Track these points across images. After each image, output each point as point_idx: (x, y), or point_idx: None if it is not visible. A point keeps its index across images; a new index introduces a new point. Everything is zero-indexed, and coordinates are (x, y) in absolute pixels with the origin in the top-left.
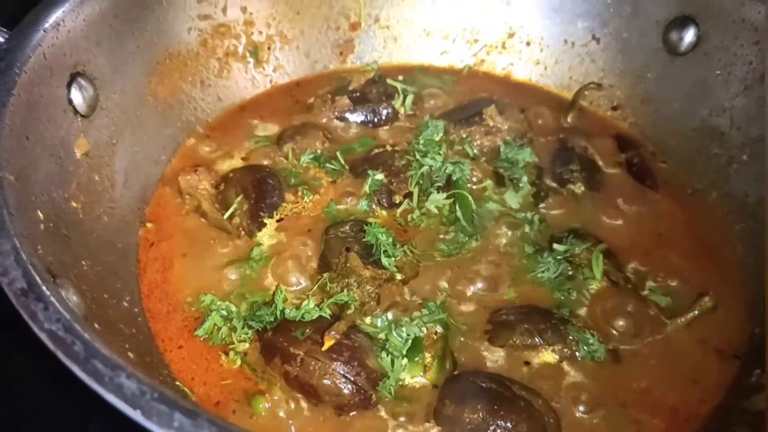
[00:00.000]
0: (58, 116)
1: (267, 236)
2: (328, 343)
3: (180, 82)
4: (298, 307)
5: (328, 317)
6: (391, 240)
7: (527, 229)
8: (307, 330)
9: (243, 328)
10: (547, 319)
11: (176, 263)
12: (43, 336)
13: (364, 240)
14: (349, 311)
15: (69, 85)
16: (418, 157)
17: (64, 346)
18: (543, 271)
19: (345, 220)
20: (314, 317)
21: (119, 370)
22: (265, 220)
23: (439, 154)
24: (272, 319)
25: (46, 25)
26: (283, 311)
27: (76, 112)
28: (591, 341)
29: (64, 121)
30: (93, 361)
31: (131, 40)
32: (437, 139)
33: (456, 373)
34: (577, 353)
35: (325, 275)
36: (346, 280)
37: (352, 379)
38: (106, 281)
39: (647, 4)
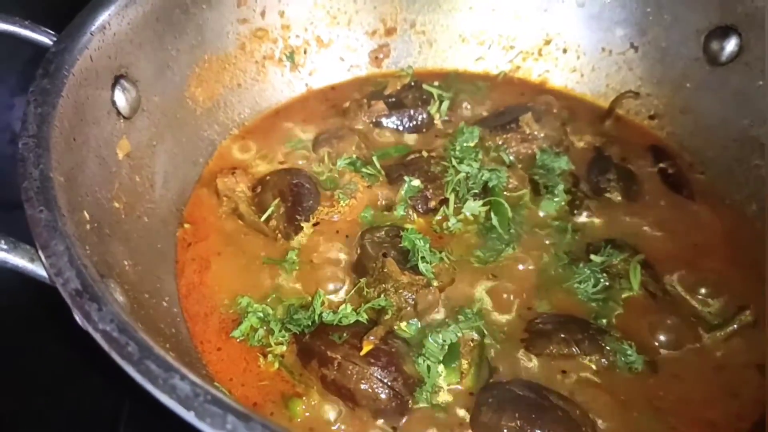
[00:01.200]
0: (102, 118)
1: (303, 240)
2: (367, 347)
3: (218, 86)
4: (335, 312)
5: (365, 322)
6: (428, 246)
7: (563, 237)
8: (345, 334)
9: (280, 330)
10: (584, 329)
11: (213, 264)
12: (97, 336)
13: (401, 245)
14: (387, 316)
15: (113, 87)
16: (454, 163)
17: (118, 347)
18: (579, 282)
19: (381, 226)
20: (351, 322)
21: (173, 372)
22: (302, 224)
23: (475, 160)
24: (310, 322)
25: (93, 28)
26: (320, 315)
27: (119, 113)
28: (629, 352)
29: (108, 122)
30: (146, 361)
31: (172, 43)
32: (473, 145)
33: (492, 380)
34: (615, 364)
35: (362, 280)
36: (383, 285)
37: (389, 384)
38: (146, 281)
39: (687, 13)
